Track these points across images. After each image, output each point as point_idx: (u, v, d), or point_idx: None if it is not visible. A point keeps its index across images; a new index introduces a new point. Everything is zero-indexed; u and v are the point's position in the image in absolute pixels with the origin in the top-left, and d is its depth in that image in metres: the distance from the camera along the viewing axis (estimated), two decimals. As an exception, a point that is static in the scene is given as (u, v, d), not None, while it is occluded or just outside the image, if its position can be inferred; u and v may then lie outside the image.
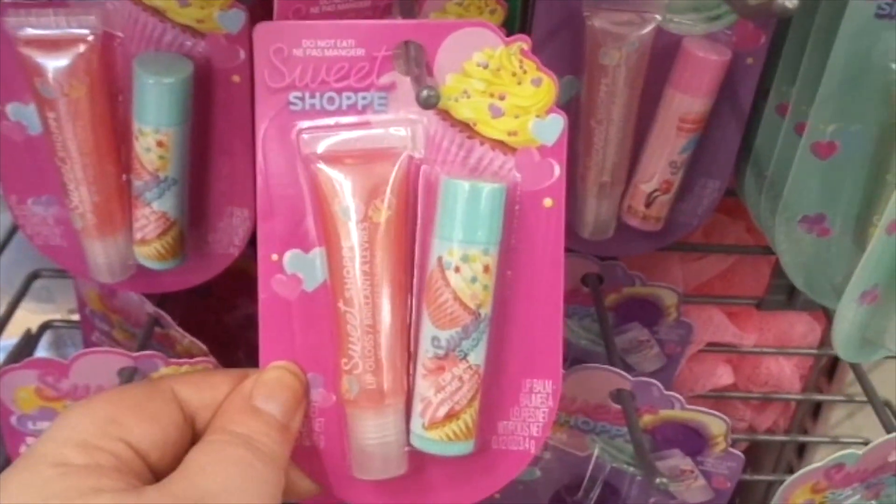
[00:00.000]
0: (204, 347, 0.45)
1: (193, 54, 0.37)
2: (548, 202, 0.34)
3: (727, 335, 0.57)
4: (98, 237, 0.39)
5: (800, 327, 0.59)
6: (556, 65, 0.44)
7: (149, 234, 0.39)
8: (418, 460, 0.35)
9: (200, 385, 0.34)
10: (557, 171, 0.34)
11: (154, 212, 0.38)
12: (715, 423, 0.44)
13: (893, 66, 0.39)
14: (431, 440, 0.33)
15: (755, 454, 0.68)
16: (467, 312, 0.32)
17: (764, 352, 0.59)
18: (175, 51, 0.37)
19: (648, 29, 0.42)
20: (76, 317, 0.56)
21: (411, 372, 0.34)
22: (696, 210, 0.48)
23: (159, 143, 0.37)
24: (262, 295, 0.34)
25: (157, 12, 0.36)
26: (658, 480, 0.37)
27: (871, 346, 0.42)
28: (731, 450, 0.45)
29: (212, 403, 0.33)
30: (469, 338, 0.33)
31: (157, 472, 0.31)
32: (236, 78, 0.37)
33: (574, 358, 0.56)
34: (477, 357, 0.33)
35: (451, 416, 0.33)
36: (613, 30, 0.42)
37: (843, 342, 0.40)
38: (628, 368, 0.56)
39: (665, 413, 0.44)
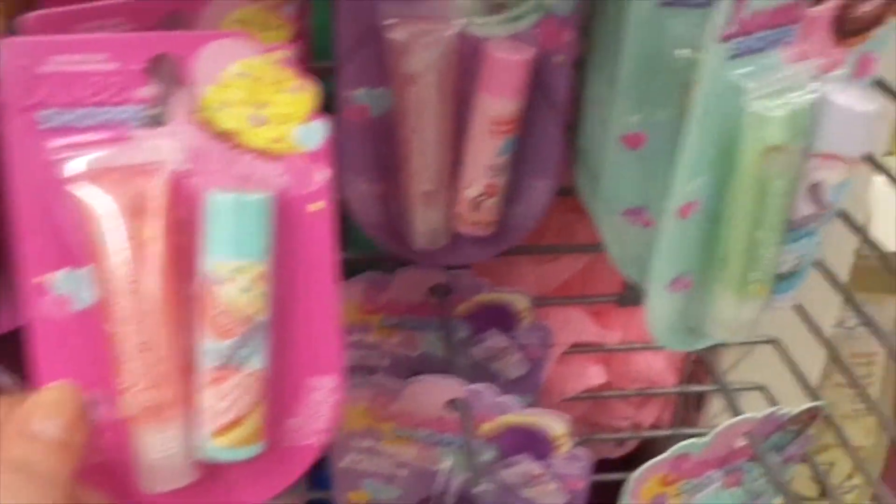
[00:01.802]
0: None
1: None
2: (316, 206, 0.34)
3: (590, 334, 0.57)
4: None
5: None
6: (365, 77, 0.44)
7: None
8: (213, 464, 0.35)
9: None
10: (323, 175, 0.34)
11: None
12: (555, 424, 0.44)
13: (679, 53, 0.39)
14: (219, 448, 0.33)
15: (647, 451, 0.68)
16: (242, 322, 0.32)
17: (630, 348, 0.59)
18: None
19: (448, 34, 0.42)
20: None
21: (194, 384, 0.33)
22: (530, 212, 0.48)
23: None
24: (30, 318, 0.33)
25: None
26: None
27: (695, 335, 0.41)
28: (576, 450, 0.45)
29: None
30: (246, 346, 0.33)
31: None
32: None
33: (435, 371, 0.55)
34: (257, 363, 0.33)
35: (236, 422, 0.33)
36: (413, 39, 0.42)
37: (660, 331, 0.40)
38: (492, 376, 0.55)
39: (504, 419, 0.44)
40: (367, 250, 0.50)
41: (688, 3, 0.38)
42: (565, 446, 0.45)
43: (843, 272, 0.60)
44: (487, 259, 0.50)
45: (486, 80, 0.43)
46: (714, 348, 0.62)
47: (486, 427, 0.44)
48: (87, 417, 0.33)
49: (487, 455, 0.45)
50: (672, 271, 0.38)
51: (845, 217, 0.50)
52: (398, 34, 0.42)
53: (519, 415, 0.43)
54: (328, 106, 0.36)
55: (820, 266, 0.53)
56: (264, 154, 0.34)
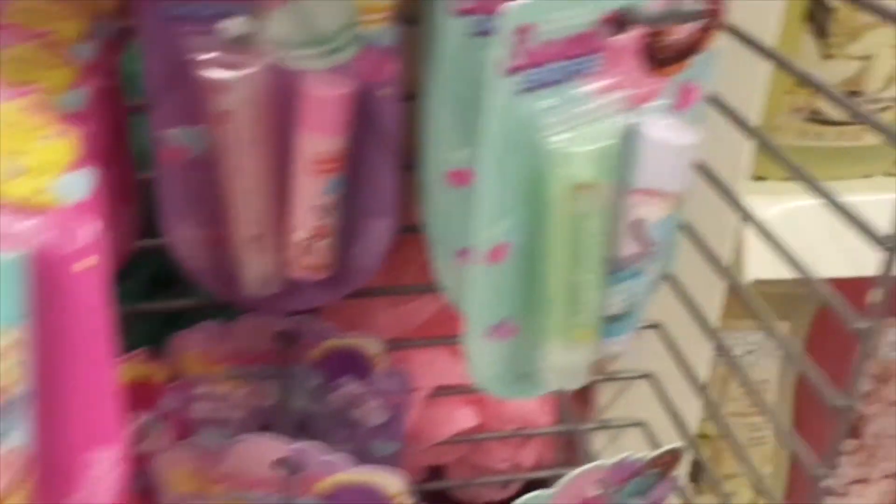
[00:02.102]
0: None
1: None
2: (83, 264, 0.31)
3: (456, 376, 0.55)
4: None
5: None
6: (180, 116, 0.41)
7: None
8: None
9: None
10: (91, 229, 0.31)
11: None
12: (391, 482, 0.41)
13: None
14: None
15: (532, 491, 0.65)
16: None
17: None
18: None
19: (259, 69, 0.39)
20: None
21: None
22: (371, 252, 0.45)
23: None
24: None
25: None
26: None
27: (527, 382, 0.39)
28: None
29: None
30: (3, 420, 0.29)
31: None
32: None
33: (299, 420, 0.52)
34: (16, 439, 0.30)
35: (-2, 503, 0.30)
36: (222, 75, 0.39)
37: (486, 381, 0.38)
38: (353, 424, 0.53)
39: (337, 478, 0.41)
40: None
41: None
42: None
43: (715, 303, 0.58)
44: (333, 302, 0.48)
45: (304, 118, 0.40)
46: (591, 384, 0.60)
47: (320, 487, 0.41)
48: None
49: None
50: (490, 318, 0.36)
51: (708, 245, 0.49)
52: (207, 70, 0.39)
53: (351, 473, 0.41)
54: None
55: (687, 299, 0.51)
56: (23, 208, 0.31)
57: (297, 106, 0.40)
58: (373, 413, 0.53)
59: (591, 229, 0.34)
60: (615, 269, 0.37)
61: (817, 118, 0.58)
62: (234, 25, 0.33)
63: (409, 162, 0.43)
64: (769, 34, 0.50)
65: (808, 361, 0.40)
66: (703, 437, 0.72)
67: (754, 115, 0.53)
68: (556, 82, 0.32)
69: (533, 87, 0.31)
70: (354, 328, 0.53)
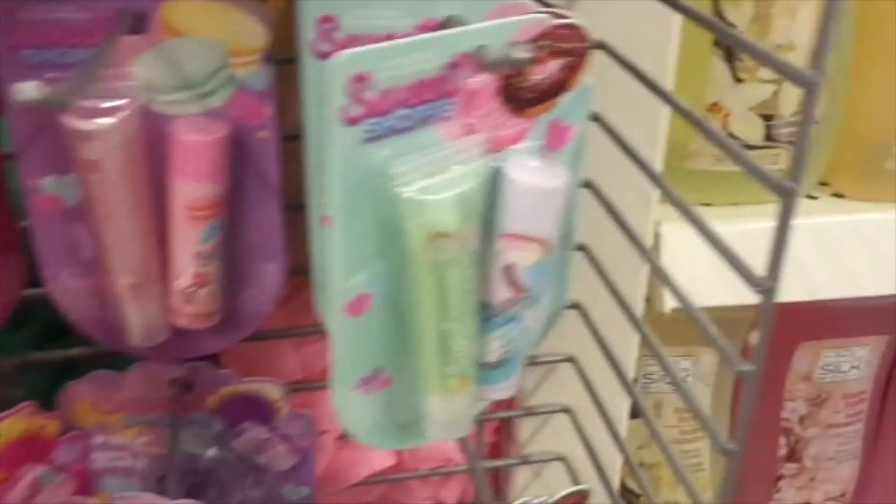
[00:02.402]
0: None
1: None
2: None
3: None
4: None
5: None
6: (51, 164, 0.40)
7: None
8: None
9: None
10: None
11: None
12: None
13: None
14: None
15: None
16: None
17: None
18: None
19: (125, 115, 0.38)
20: None
21: None
22: (263, 296, 0.44)
23: None
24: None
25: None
26: None
27: (409, 432, 0.38)
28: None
29: None
30: None
31: None
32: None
33: (205, 467, 0.51)
34: None
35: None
36: (86, 125, 0.38)
37: (360, 432, 0.36)
38: (261, 470, 0.51)
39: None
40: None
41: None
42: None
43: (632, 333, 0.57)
44: (235, 346, 0.46)
45: (176, 164, 0.39)
46: (511, 419, 0.59)
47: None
48: None
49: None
50: (358, 371, 0.35)
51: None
52: (71, 119, 0.38)
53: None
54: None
55: (595, 330, 0.50)
56: None
57: (168, 152, 0.39)
58: (280, 458, 0.51)
59: (455, 277, 0.33)
60: (490, 316, 0.36)
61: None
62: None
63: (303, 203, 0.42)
64: (669, 60, 0.49)
65: (689, 397, 0.39)
66: (641, 465, 0.71)
67: (661, 142, 0.52)
68: (406, 129, 0.30)
69: (378, 136, 0.30)
70: (258, 371, 0.51)
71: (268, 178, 0.41)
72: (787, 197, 0.31)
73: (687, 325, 0.66)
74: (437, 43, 0.29)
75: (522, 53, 0.30)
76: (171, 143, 0.39)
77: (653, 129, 0.51)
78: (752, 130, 0.57)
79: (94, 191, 0.39)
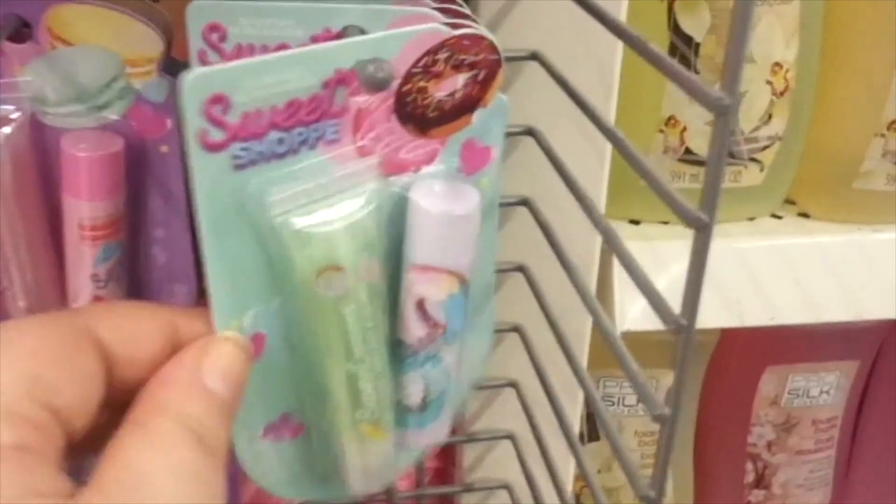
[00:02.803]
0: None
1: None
2: None
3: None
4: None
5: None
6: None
7: None
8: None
9: (127, 333, 0.27)
10: None
11: None
12: None
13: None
14: None
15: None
16: None
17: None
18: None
19: (12, 129, 0.36)
20: None
21: None
22: (173, 320, 0.42)
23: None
24: None
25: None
26: None
27: (332, 484, 0.35)
28: None
29: (140, 360, 0.27)
30: None
31: (74, 443, 0.25)
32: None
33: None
34: None
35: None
36: (-30, 135, 0.35)
37: (274, 483, 0.33)
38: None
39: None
40: None
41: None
42: None
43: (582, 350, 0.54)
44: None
45: (66, 181, 0.37)
46: (453, 445, 0.56)
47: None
48: (246, 382, 0.28)
49: None
50: (263, 417, 0.32)
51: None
52: (-46, 131, 0.35)
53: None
54: None
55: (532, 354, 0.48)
56: None
57: (58, 168, 0.37)
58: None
59: (353, 314, 0.30)
60: (405, 356, 0.33)
61: (690, 158, 0.54)
62: None
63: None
64: (614, 71, 0.47)
65: (612, 430, 0.37)
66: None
67: (607, 158, 0.49)
68: (284, 154, 0.28)
69: (249, 163, 0.27)
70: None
71: (172, 194, 0.39)
72: (700, 230, 0.28)
73: (646, 347, 0.63)
74: (306, 59, 0.26)
75: (382, 73, 0.27)
76: (61, 158, 0.36)
77: (599, 144, 0.48)
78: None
79: (-18, 208, 0.37)
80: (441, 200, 0.31)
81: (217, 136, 0.26)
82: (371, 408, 0.33)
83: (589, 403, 0.44)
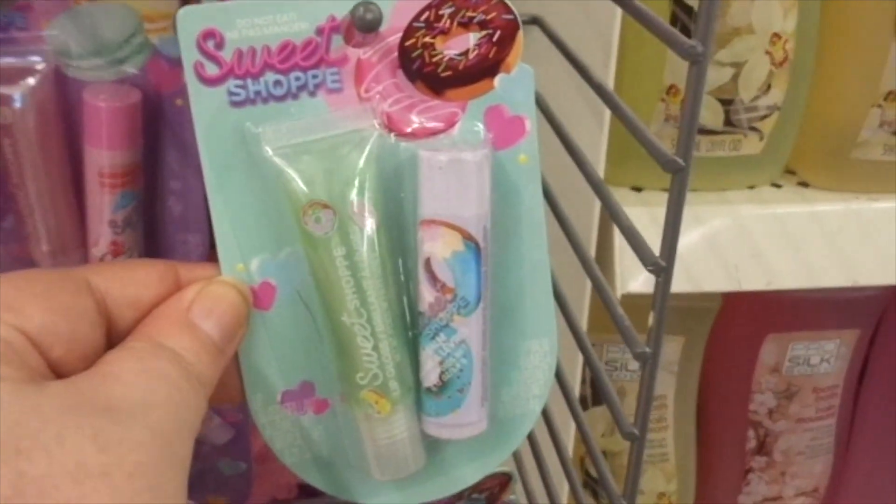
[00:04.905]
0: None
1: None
2: None
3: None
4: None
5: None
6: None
7: None
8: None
9: (123, 279, 0.29)
10: None
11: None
12: None
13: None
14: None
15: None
16: None
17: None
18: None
19: (37, 80, 0.38)
20: None
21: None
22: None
23: None
24: None
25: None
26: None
27: (347, 473, 0.35)
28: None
29: (136, 302, 0.29)
30: None
31: (59, 371, 0.27)
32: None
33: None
34: None
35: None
36: (-3, 87, 0.38)
37: (296, 463, 0.34)
38: (196, 444, 0.51)
39: None
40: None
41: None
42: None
43: (582, 312, 0.56)
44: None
45: (87, 131, 0.39)
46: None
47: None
48: (246, 327, 0.30)
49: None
50: (280, 381, 0.32)
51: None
52: (-18, 83, 0.38)
53: None
54: None
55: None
56: None
57: (80, 118, 0.39)
58: (215, 432, 0.51)
59: (344, 258, 0.30)
60: (421, 328, 0.33)
61: (691, 127, 0.56)
62: None
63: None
64: (613, 41, 0.48)
65: (607, 386, 0.38)
66: (604, 454, 0.70)
67: (605, 124, 0.51)
68: (281, 97, 0.30)
69: (245, 101, 0.29)
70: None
71: (187, 147, 0.41)
72: (676, 173, 0.30)
73: (647, 312, 0.65)
74: (298, 2, 0.28)
75: (371, 14, 0.28)
76: (82, 108, 0.39)
77: (598, 111, 0.50)
78: (711, 115, 0.55)
79: (5, 157, 0.39)
80: (445, 150, 0.31)
81: (212, 69, 0.28)
82: (372, 371, 0.32)
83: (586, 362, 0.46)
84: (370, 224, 0.31)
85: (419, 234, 0.32)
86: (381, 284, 0.32)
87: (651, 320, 0.33)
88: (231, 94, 0.28)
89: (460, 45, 0.31)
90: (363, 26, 0.28)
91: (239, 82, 0.28)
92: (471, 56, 0.31)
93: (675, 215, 0.31)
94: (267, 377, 0.32)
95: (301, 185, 0.30)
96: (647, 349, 0.34)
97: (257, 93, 0.29)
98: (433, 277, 0.32)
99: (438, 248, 0.32)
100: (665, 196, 0.30)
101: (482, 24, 0.31)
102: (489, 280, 0.33)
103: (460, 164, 0.31)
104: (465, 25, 0.31)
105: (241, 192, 0.30)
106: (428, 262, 0.32)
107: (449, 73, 0.31)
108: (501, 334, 0.34)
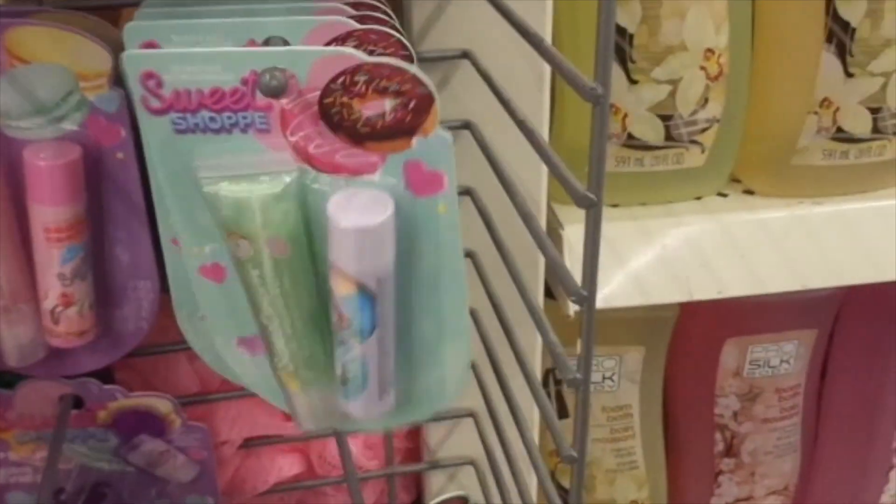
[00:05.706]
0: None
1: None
2: None
3: (266, 426, 0.54)
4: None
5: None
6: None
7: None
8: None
9: None
10: None
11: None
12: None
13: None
14: None
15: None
16: None
17: (309, 437, 0.56)
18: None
19: (-21, 143, 0.39)
20: None
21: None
22: (140, 314, 0.45)
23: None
24: None
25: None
26: None
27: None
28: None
29: None
30: None
31: None
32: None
33: (97, 481, 0.52)
34: None
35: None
36: (-63, 150, 0.39)
37: (252, 384, 0.39)
38: (162, 482, 0.52)
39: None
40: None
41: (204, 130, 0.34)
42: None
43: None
44: (121, 363, 0.47)
45: (30, 188, 0.40)
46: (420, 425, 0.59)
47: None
48: None
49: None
50: (234, 330, 0.38)
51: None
52: (-75, 146, 0.39)
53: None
54: None
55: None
56: None
57: (23, 176, 0.40)
58: (180, 469, 0.52)
59: (258, 278, 0.34)
60: (333, 331, 0.36)
61: (634, 144, 0.57)
62: None
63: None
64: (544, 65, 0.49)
65: (544, 399, 0.39)
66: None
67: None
68: (217, 131, 0.32)
69: (186, 130, 0.31)
70: (154, 385, 0.52)
71: (131, 197, 0.42)
72: (588, 208, 0.31)
73: (609, 325, 0.66)
74: (224, 58, 0.30)
75: (276, 81, 0.30)
76: (24, 166, 0.40)
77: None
78: (652, 131, 0.57)
79: (-46, 216, 0.40)
80: (349, 211, 0.33)
81: (155, 103, 0.30)
82: (284, 361, 0.37)
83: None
84: (286, 255, 0.34)
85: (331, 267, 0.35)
86: (294, 302, 0.36)
87: (579, 348, 0.34)
88: (174, 123, 0.30)
89: (376, 108, 0.32)
90: (268, 92, 0.29)
91: (180, 115, 0.30)
92: (387, 119, 0.33)
93: (592, 247, 0.32)
94: (225, 328, 0.38)
95: (224, 216, 0.32)
96: (578, 375, 0.35)
97: (196, 125, 0.31)
98: (335, 304, 0.35)
99: (338, 286, 0.35)
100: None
101: (397, 93, 0.32)
102: (389, 315, 0.36)
103: (363, 231, 0.33)
104: (381, 92, 0.32)
105: (192, 195, 0.33)
106: (331, 291, 0.35)
107: (367, 129, 0.33)
108: (420, 371, 0.38)
